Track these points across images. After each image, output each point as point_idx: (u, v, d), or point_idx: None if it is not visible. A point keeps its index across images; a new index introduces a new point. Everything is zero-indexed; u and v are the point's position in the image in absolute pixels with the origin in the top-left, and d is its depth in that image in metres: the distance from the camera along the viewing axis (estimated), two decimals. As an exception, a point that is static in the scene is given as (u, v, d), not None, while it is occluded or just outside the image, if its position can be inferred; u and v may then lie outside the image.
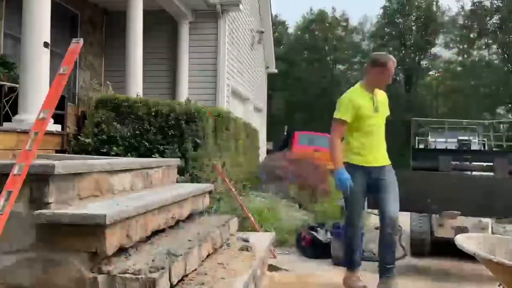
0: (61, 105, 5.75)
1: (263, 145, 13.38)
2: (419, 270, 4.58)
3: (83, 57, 8.50)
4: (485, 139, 8.03)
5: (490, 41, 29.21)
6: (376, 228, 6.63)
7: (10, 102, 5.09)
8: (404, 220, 7.60)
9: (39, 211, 2.29)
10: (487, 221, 5.18)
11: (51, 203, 2.34)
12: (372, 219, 6.69)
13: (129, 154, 4.58)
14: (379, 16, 34.61)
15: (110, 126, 4.66)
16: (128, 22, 6.84)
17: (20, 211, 2.36)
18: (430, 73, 34.21)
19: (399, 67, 33.38)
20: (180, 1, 8.13)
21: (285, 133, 20.00)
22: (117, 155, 4.53)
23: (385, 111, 3.72)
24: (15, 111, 4.62)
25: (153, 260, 2.39)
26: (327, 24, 36.23)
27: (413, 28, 33.10)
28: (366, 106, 3.57)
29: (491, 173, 4.82)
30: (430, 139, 7.77)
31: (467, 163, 5.09)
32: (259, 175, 7.45)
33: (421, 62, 33.56)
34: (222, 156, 5.68)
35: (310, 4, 64.84)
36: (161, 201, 2.95)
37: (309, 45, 35.59)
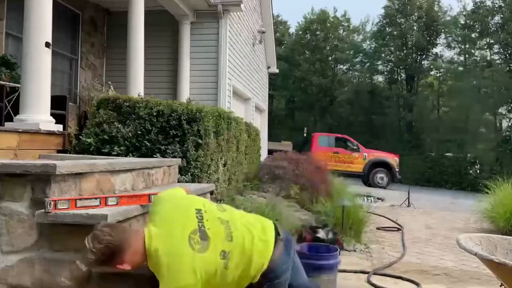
0: (62, 105, 5.77)
1: (264, 145, 13.38)
2: (419, 270, 4.57)
3: (84, 57, 8.51)
4: None
5: (492, 41, 29.10)
6: (378, 228, 6.64)
7: (11, 102, 5.10)
8: (404, 219, 7.61)
9: (41, 211, 2.29)
10: None
11: (52, 203, 2.34)
12: (372, 219, 6.68)
13: (130, 154, 4.58)
14: (380, 16, 34.60)
15: (112, 126, 4.66)
16: (130, 22, 6.84)
17: (22, 210, 2.37)
18: (432, 73, 34.17)
19: (401, 67, 33.41)
20: (182, 1, 8.13)
21: (305, 134, 20.08)
22: (118, 155, 4.54)
23: None
24: (16, 111, 4.62)
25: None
26: (329, 24, 36.21)
27: (415, 28, 33.04)
28: None
29: None
30: None
31: None
32: (260, 175, 7.45)
33: (423, 62, 33.52)
34: (224, 156, 5.68)
35: (312, 4, 64.77)
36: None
37: (311, 45, 35.58)
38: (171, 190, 2.35)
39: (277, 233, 2.07)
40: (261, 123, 14.35)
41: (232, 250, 1.89)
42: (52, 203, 2.26)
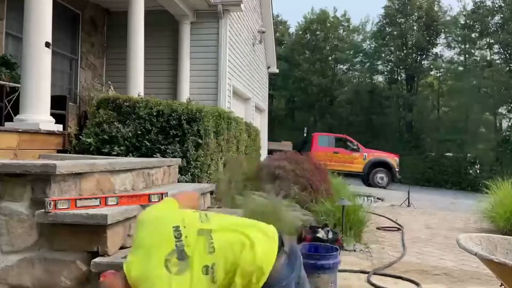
0: (62, 105, 5.77)
1: (264, 144, 13.38)
2: (419, 270, 4.57)
3: (84, 57, 8.51)
4: None
5: (492, 41, 29.09)
6: (378, 228, 6.65)
7: (11, 102, 5.10)
8: (404, 219, 7.61)
9: (41, 211, 2.29)
10: None
11: (52, 203, 2.34)
12: (372, 219, 6.68)
13: (130, 154, 4.58)
14: (380, 16, 34.61)
15: (112, 126, 4.67)
16: (130, 22, 6.84)
17: (22, 210, 2.37)
18: (432, 73, 34.17)
19: (401, 67, 33.41)
20: (182, 1, 8.13)
21: (304, 134, 20.12)
22: (118, 155, 4.54)
23: None
24: (16, 111, 4.63)
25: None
26: (329, 24, 36.21)
27: (415, 28, 33.04)
28: None
29: None
30: None
31: None
32: (260, 175, 7.45)
33: (423, 62, 33.51)
34: (224, 156, 5.68)
35: (312, 4, 64.68)
36: (162, 201, 2.96)
37: (311, 45, 35.57)
38: (153, 208, 2.03)
39: (281, 244, 1.88)
40: (261, 123, 14.35)
41: (217, 261, 1.74)
42: (52, 203, 2.26)
